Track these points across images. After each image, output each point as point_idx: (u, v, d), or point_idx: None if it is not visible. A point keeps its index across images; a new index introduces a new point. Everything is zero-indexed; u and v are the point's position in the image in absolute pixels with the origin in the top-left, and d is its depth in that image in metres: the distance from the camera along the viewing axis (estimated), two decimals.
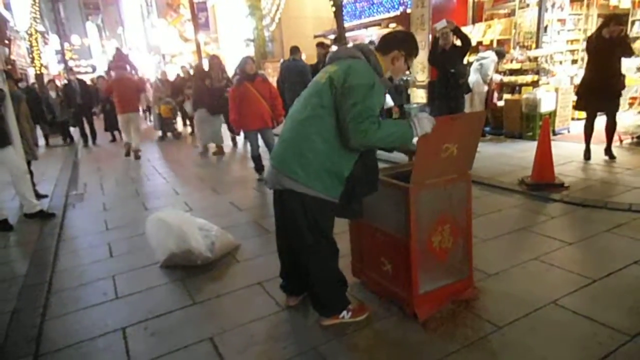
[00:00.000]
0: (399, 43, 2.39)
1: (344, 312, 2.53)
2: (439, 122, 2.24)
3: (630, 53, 5.19)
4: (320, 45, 7.82)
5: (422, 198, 2.37)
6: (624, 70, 5.35)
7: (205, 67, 9.80)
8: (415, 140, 2.24)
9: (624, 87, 5.39)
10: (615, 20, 5.19)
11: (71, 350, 2.53)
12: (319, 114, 2.21)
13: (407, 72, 2.43)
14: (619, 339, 2.25)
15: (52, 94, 10.93)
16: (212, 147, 8.74)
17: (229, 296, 3.03)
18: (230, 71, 8.62)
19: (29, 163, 5.31)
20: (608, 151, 5.50)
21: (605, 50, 5.15)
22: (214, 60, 8.61)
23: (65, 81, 11.46)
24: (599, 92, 5.26)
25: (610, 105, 5.35)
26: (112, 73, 9.79)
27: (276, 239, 2.70)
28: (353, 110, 2.11)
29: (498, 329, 2.40)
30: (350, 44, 11.18)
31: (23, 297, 3.16)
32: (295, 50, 7.87)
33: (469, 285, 2.71)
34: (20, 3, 19.77)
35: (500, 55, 7.69)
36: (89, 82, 13.15)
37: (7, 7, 19.58)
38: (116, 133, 11.04)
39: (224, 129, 8.79)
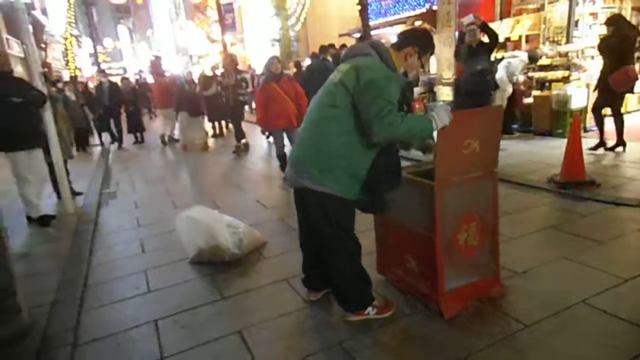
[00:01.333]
0: (414, 39, 2.41)
1: (369, 309, 2.55)
2: (457, 116, 2.25)
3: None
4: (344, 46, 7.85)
5: (447, 196, 2.38)
6: None
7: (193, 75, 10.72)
8: (435, 134, 2.25)
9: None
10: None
11: (107, 341, 2.65)
12: (333, 114, 2.25)
13: (421, 70, 2.46)
14: None
15: (70, 95, 9.28)
16: (195, 144, 9.56)
17: (256, 292, 3.10)
18: (258, 70, 8.90)
19: (65, 162, 5.53)
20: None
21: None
22: (227, 59, 8.88)
23: (96, 83, 11.40)
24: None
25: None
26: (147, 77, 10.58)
27: (299, 235, 2.76)
28: (374, 106, 2.13)
29: (525, 327, 2.38)
30: None
31: (61, 289, 3.31)
32: (324, 49, 7.90)
33: (495, 283, 2.70)
34: (56, 8, 20.57)
35: (533, 59, 7.53)
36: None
37: (44, 12, 20.40)
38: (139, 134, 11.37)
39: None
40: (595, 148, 5.85)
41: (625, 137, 5.60)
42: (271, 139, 9.19)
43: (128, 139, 11.44)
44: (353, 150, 2.26)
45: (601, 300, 2.58)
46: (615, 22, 5.64)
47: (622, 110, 5.75)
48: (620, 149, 5.76)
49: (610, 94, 5.61)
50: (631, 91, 5.77)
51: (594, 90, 6.01)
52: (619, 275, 2.81)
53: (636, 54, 5.69)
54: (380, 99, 2.13)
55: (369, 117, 2.16)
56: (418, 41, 2.40)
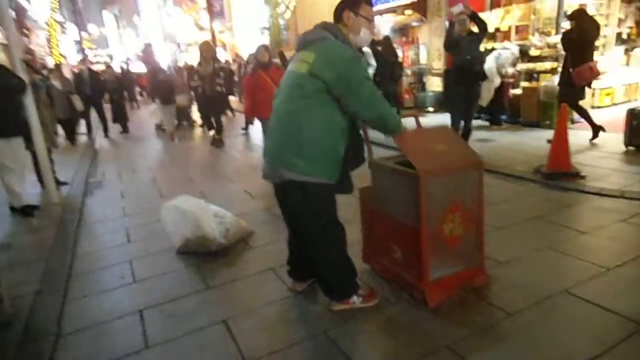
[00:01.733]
0: (344, 4, 2.40)
1: (355, 297, 2.57)
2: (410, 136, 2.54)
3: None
4: None
5: (432, 186, 2.38)
6: None
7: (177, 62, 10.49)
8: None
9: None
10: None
11: (91, 331, 2.63)
12: (306, 104, 2.25)
13: (371, 26, 2.37)
14: (630, 327, 2.24)
15: (57, 84, 8.85)
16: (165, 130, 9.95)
17: (242, 281, 3.09)
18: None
19: (49, 151, 5.43)
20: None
21: None
22: (203, 46, 8.30)
23: (76, 71, 10.93)
24: None
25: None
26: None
27: (288, 231, 2.75)
28: (362, 89, 2.25)
29: (508, 315, 2.41)
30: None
31: (45, 280, 3.27)
32: None
33: (480, 272, 2.72)
34: None
35: (523, 54, 7.59)
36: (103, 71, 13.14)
37: None
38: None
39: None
40: (593, 138, 5.95)
41: (610, 128, 5.68)
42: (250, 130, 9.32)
43: (114, 128, 11.22)
44: (331, 135, 2.30)
45: (584, 289, 2.62)
46: (577, 17, 5.84)
47: (610, 102, 5.90)
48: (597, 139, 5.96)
49: (571, 88, 5.84)
50: (589, 86, 6.02)
51: (558, 84, 6.21)
52: (602, 265, 2.85)
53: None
54: (363, 80, 2.26)
55: (359, 100, 2.26)
56: (346, 3, 2.40)
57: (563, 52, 7.33)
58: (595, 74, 5.86)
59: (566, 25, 6.41)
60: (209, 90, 7.87)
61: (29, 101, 4.88)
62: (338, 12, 2.41)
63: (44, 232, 4.29)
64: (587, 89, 6.09)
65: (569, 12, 6.98)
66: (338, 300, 2.57)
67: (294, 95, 2.29)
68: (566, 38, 5.96)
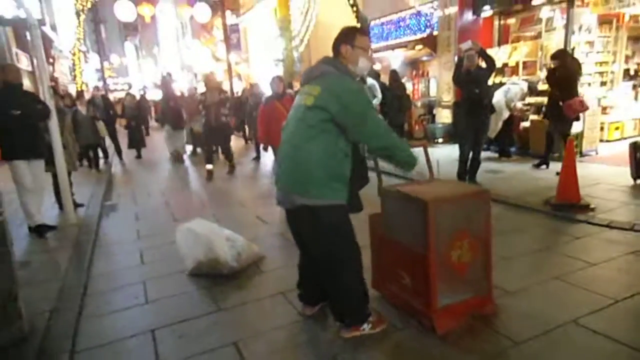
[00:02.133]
0: (337, 41, 2.55)
1: (365, 325, 2.59)
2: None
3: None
4: None
5: (441, 213, 2.45)
6: None
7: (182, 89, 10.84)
8: (414, 173, 2.64)
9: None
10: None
11: (104, 349, 2.69)
12: (311, 133, 2.38)
13: (368, 55, 2.53)
14: (638, 359, 2.24)
15: (82, 109, 8.98)
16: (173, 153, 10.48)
17: (253, 304, 3.14)
18: (266, 89, 8.72)
19: (69, 174, 5.62)
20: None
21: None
22: (209, 77, 8.65)
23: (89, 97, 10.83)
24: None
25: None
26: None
27: (300, 257, 2.84)
28: (366, 120, 2.38)
29: (515, 344, 2.43)
30: (377, 65, 11.31)
31: (61, 298, 3.36)
32: None
33: (488, 301, 2.74)
34: (65, 25, 21.00)
35: (532, 90, 7.78)
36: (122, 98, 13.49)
37: (53, 27, 20.80)
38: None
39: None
40: (538, 165, 6.71)
41: (619, 162, 5.71)
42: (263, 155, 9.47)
43: (129, 154, 11.48)
44: (336, 159, 2.41)
45: (592, 320, 2.62)
46: (560, 56, 6.42)
47: (620, 136, 6.06)
48: (544, 167, 6.61)
49: (561, 121, 6.32)
50: (578, 119, 6.51)
51: (543, 117, 6.95)
52: (610, 297, 2.86)
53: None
54: (368, 111, 2.41)
55: (365, 130, 2.40)
56: (343, 38, 2.54)
57: None
58: (584, 107, 6.31)
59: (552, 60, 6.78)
60: (213, 121, 7.77)
61: (53, 126, 5.09)
62: (336, 47, 2.55)
63: (61, 252, 4.40)
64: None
65: (600, 48, 7.85)
66: (349, 327, 2.60)
67: (301, 126, 2.42)
68: (551, 76, 6.45)
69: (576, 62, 6.71)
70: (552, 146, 6.65)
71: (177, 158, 10.52)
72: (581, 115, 6.55)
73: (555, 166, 6.21)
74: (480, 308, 2.71)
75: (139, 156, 11.39)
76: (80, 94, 11.42)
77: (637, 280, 3.07)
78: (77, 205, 5.85)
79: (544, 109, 7.05)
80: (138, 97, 15.52)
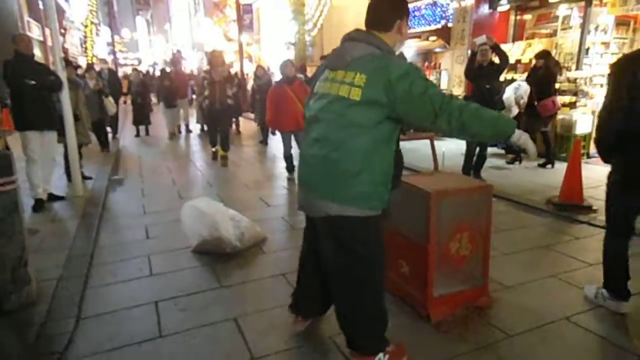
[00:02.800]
0: (394, 11, 2.05)
1: (381, 355, 2.18)
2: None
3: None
4: None
5: (443, 204, 2.50)
6: None
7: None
8: (517, 138, 1.94)
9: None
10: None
11: (109, 316, 2.78)
12: (359, 132, 1.93)
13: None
14: (627, 358, 2.31)
15: (91, 83, 8.13)
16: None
17: (254, 283, 3.22)
18: (276, 73, 8.51)
19: (80, 146, 5.69)
20: None
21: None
22: (214, 54, 7.62)
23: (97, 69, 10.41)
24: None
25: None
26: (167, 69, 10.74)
27: (303, 263, 2.50)
28: (430, 100, 1.84)
29: (508, 337, 2.50)
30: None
31: (68, 266, 3.45)
32: None
33: (483, 293, 2.81)
34: None
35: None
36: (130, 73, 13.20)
37: None
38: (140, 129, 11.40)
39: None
40: (544, 165, 6.83)
41: None
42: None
43: (133, 130, 11.40)
44: (385, 162, 2.02)
45: (584, 318, 2.69)
46: (545, 56, 6.74)
47: None
48: (549, 166, 6.77)
49: (536, 119, 6.65)
50: (554, 117, 6.90)
51: (524, 115, 7.10)
52: None
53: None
54: (429, 90, 1.86)
55: (434, 117, 1.86)
56: (395, 10, 2.05)
57: (582, 87, 7.45)
58: (557, 107, 6.69)
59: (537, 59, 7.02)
60: (218, 103, 7.12)
61: (64, 97, 5.15)
62: (387, 20, 2.02)
63: (68, 222, 4.50)
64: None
65: (615, 49, 7.83)
66: (363, 355, 2.20)
67: (342, 124, 1.94)
68: (533, 74, 6.75)
69: (558, 64, 7.22)
70: (550, 143, 6.86)
71: (170, 135, 11.01)
72: (591, 117, 6.60)
73: (562, 166, 6.23)
74: (476, 300, 2.77)
75: (138, 134, 11.24)
76: (90, 66, 11.32)
77: (633, 283, 3.10)
78: (85, 178, 5.94)
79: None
80: (158, 73, 15.28)
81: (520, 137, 1.95)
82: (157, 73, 11.97)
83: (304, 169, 2.15)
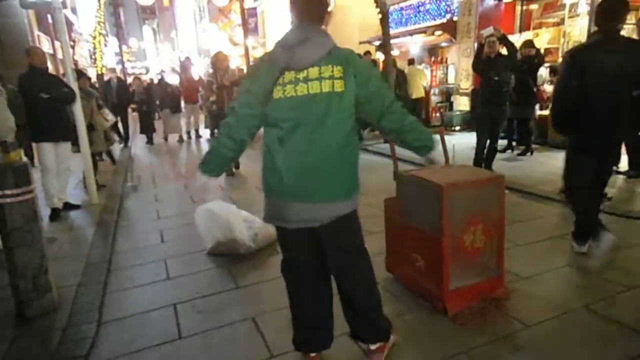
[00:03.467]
0: (328, 4, 2.03)
1: (392, 335, 2.34)
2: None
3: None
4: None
5: (455, 197, 2.50)
6: None
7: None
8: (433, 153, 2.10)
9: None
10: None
11: (129, 320, 2.83)
12: (350, 125, 1.97)
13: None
14: None
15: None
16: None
17: (269, 283, 3.25)
18: None
19: (93, 155, 5.80)
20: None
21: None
22: (218, 57, 7.29)
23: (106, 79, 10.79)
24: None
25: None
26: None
27: (300, 293, 2.28)
28: (382, 97, 1.95)
29: (526, 327, 2.48)
30: (395, 51, 11.19)
31: (87, 273, 3.52)
32: None
33: (499, 284, 2.80)
34: (85, 8, 21.23)
35: (555, 72, 7.69)
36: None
37: (73, 11, 21.07)
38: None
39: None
40: (523, 153, 7.07)
41: None
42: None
43: (141, 139, 11.46)
44: (358, 148, 2.07)
45: (603, 306, 2.66)
46: (534, 45, 7.10)
47: None
48: (528, 154, 7.05)
49: (526, 106, 6.95)
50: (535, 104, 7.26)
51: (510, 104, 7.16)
52: (622, 284, 2.89)
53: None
54: (382, 89, 1.97)
55: (383, 107, 1.95)
56: (325, 3, 2.00)
57: None
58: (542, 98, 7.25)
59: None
60: (227, 108, 6.69)
61: (77, 108, 5.23)
62: (323, 14, 1.97)
63: (85, 230, 4.58)
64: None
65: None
66: (385, 341, 2.31)
67: (341, 118, 1.93)
68: (531, 62, 6.88)
69: (541, 55, 7.35)
70: (513, 133, 7.32)
71: (179, 139, 11.52)
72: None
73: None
74: (492, 291, 2.76)
75: (148, 142, 11.27)
76: (80, 74, 11.36)
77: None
78: (99, 186, 6.03)
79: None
80: (156, 82, 15.47)
81: (435, 153, 2.12)
82: (164, 81, 12.24)
83: (295, 176, 1.95)
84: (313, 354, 2.31)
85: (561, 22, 8.65)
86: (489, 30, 5.91)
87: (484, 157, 6.03)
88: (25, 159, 3.09)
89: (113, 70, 13.02)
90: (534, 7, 9.38)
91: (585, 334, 2.41)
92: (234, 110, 2.04)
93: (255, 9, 19.12)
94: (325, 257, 2.14)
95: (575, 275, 3.08)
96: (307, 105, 1.90)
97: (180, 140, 11.37)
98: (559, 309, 2.63)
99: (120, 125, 10.17)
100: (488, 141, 6.02)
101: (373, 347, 2.29)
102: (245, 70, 15.16)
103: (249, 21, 17.36)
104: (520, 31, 9.23)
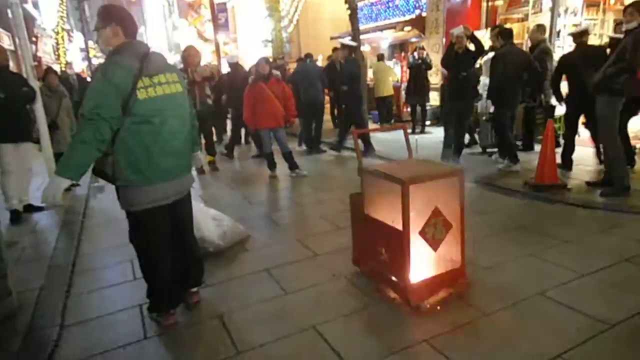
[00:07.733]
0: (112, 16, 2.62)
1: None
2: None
3: None
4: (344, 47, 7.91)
5: (416, 191, 2.55)
6: None
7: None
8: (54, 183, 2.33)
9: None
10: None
11: (94, 322, 2.79)
12: (188, 114, 2.66)
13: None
14: (599, 327, 2.40)
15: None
16: None
17: (238, 280, 3.26)
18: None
19: (58, 156, 5.62)
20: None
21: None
22: (189, 52, 6.62)
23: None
24: None
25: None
26: None
27: (163, 258, 2.65)
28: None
29: (485, 315, 2.58)
30: (365, 46, 11.26)
31: (50, 276, 3.44)
32: (310, 55, 8.18)
33: (460, 276, 2.88)
34: (47, 2, 20.49)
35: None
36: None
37: (35, 5, 20.30)
38: None
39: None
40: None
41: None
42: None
43: None
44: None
45: (559, 293, 2.78)
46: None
47: None
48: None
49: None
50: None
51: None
52: (577, 271, 3.02)
53: None
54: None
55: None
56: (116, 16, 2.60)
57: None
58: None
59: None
60: (199, 104, 6.36)
61: (38, 108, 5.07)
62: (106, 20, 2.57)
63: (49, 232, 4.47)
64: None
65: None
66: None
67: (184, 112, 2.60)
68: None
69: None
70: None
71: None
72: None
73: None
74: (454, 282, 2.84)
75: None
76: (64, 73, 11.02)
77: (604, 256, 3.23)
78: (73, 185, 5.86)
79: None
80: None
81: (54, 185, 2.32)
82: None
83: (170, 160, 2.48)
84: (172, 311, 2.70)
85: (525, 17, 8.90)
86: (459, 29, 6.02)
87: (452, 151, 6.16)
88: None
89: (70, 66, 12.39)
90: (499, 3, 9.61)
91: (540, 319, 2.52)
92: None
93: (225, 4, 18.88)
94: (175, 218, 2.68)
95: (534, 264, 3.20)
96: (170, 101, 2.50)
97: None
98: (516, 297, 2.73)
99: None
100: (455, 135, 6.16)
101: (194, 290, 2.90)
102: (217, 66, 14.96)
103: (219, 16, 17.14)
104: (487, 27, 9.43)
